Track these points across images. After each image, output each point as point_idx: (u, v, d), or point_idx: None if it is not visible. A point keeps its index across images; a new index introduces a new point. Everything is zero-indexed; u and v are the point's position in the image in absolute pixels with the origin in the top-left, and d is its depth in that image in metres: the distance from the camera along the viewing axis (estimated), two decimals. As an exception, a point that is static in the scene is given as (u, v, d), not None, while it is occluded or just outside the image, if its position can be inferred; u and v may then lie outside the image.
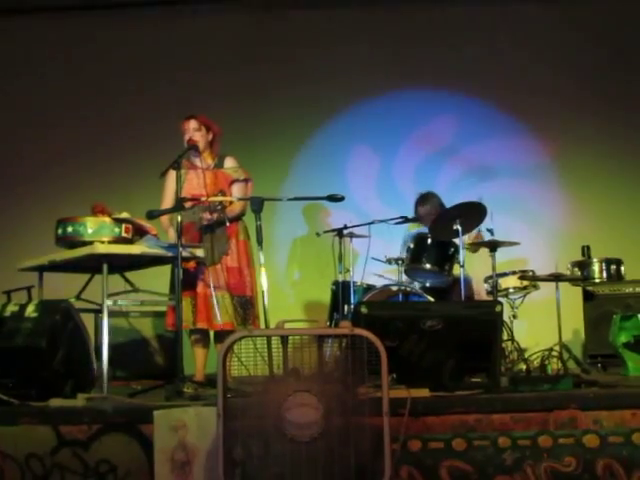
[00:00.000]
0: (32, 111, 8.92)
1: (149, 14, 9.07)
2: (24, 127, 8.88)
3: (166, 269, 5.87)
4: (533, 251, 8.15)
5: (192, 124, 6.07)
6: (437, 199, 7.44)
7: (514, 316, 7.16)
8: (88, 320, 5.48)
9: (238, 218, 6.10)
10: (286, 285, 8.76)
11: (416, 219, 7.32)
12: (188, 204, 5.76)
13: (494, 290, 6.88)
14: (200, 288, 5.92)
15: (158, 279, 6.09)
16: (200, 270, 5.94)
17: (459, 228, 6.50)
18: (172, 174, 5.78)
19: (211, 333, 6.09)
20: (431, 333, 4.66)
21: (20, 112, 8.89)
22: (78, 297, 5.63)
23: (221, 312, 5.87)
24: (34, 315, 4.81)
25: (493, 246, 6.82)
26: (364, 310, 4.71)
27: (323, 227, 7.65)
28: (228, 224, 5.84)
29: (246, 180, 6.14)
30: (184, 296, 5.68)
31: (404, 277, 7.15)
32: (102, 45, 8.98)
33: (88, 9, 9.07)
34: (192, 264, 5.87)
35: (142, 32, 8.99)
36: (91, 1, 9.05)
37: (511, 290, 7.23)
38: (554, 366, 6.25)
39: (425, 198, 7.46)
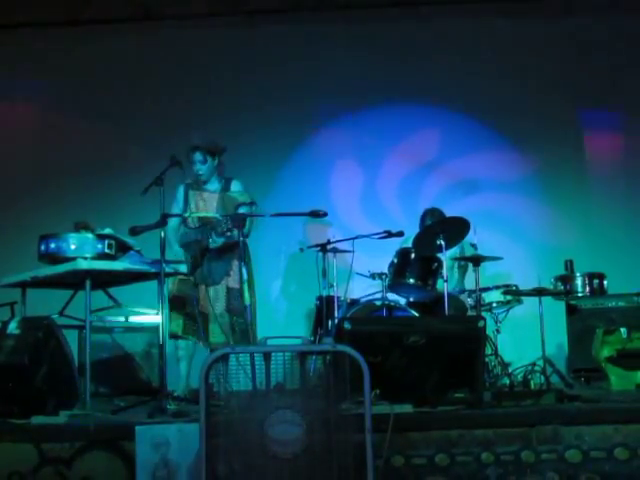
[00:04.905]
0: (15, 126, 8.91)
1: (133, 30, 9.07)
2: (6, 143, 8.85)
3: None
4: (516, 265, 8.16)
5: (197, 157, 6.32)
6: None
7: (498, 330, 7.16)
8: (71, 336, 5.46)
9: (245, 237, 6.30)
10: (270, 300, 8.74)
11: (401, 233, 7.28)
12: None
13: (477, 305, 6.88)
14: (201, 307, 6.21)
15: (141, 294, 6.07)
16: (198, 289, 6.23)
17: (442, 243, 6.52)
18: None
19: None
20: (414, 348, 4.66)
21: (1, 128, 8.86)
22: (61, 313, 5.61)
23: (215, 333, 6.16)
24: (16, 332, 4.80)
25: (476, 261, 6.82)
26: (347, 326, 4.71)
27: (307, 242, 7.65)
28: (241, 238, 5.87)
29: (251, 204, 6.27)
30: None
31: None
32: (86, 61, 8.95)
33: (72, 25, 9.05)
34: None
35: (126, 48, 8.98)
36: (74, 17, 9.02)
37: (494, 304, 7.23)
38: (537, 381, 6.26)
39: (438, 211, 7.45)
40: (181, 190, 6.45)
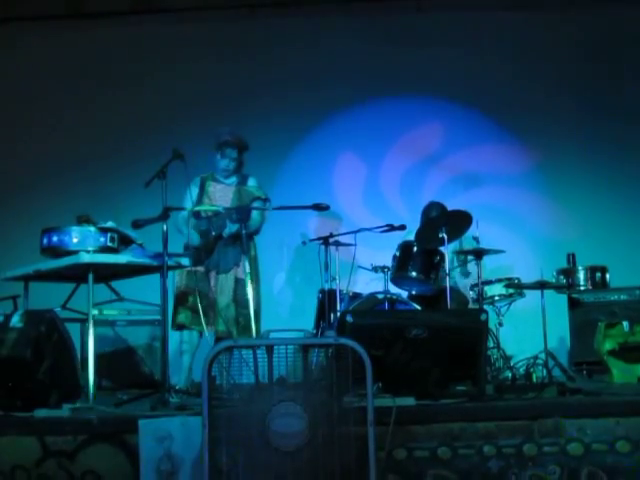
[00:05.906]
0: (17, 121, 8.90)
1: (134, 22, 9.06)
2: (8, 137, 8.85)
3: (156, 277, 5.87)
4: (519, 259, 8.16)
5: (232, 154, 6.49)
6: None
7: (500, 324, 7.16)
8: (74, 329, 5.46)
9: (255, 233, 6.46)
10: (273, 293, 8.74)
11: (403, 227, 7.26)
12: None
13: (480, 298, 6.88)
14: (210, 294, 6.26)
15: (144, 288, 6.07)
16: (208, 277, 6.28)
17: (445, 236, 6.51)
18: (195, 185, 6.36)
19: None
20: (416, 342, 4.66)
21: (4, 122, 8.85)
22: (64, 307, 5.62)
23: (221, 321, 6.20)
24: (19, 325, 4.79)
25: (479, 254, 6.82)
26: (349, 319, 4.71)
27: (309, 235, 7.65)
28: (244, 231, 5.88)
29: (265, 200, 6.43)
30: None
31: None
32: (87, 55, 8.96)
33: (73, 18, 9.05)
34: None
35: (126, 41, 8.97)
36: (75, 10, 9.02)
37: (497, 298, 7.23)
38: (539, 374, 6.26)
39: (441, 205, 7.41)
40: (197, 182, 6.48)
